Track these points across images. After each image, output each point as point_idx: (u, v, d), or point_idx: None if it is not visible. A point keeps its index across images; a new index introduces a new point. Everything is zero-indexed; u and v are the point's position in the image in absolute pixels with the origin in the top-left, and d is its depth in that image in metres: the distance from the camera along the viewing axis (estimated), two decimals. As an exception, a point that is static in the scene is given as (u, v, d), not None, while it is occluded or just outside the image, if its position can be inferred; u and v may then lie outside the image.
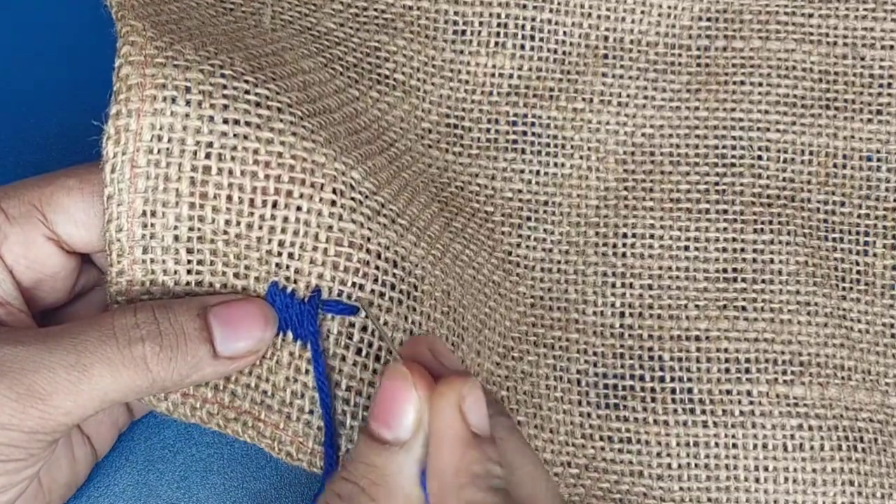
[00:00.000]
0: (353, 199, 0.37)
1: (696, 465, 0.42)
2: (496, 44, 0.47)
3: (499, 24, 0.47)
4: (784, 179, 0.46)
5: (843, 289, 0.45)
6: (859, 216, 0.46)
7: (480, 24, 0.47)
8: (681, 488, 0.42)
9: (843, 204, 0.46)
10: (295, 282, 0.37)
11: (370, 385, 0.37)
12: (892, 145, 0.47)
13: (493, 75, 0.47)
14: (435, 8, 0.47)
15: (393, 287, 0.37)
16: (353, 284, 0.37)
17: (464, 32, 0.47)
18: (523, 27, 0.47)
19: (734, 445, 0.42)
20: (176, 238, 0.37)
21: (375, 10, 0.46)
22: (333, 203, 0.37)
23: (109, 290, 0.37)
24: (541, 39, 0.47)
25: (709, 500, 0.41)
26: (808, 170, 0.46)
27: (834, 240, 0.46)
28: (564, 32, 0.47)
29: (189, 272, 0.37)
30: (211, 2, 0.44)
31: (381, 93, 0.45)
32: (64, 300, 0.40)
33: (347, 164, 0.37)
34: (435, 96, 0.46)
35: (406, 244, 0.38)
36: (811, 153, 0.47)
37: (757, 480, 0.42)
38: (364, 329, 0.37)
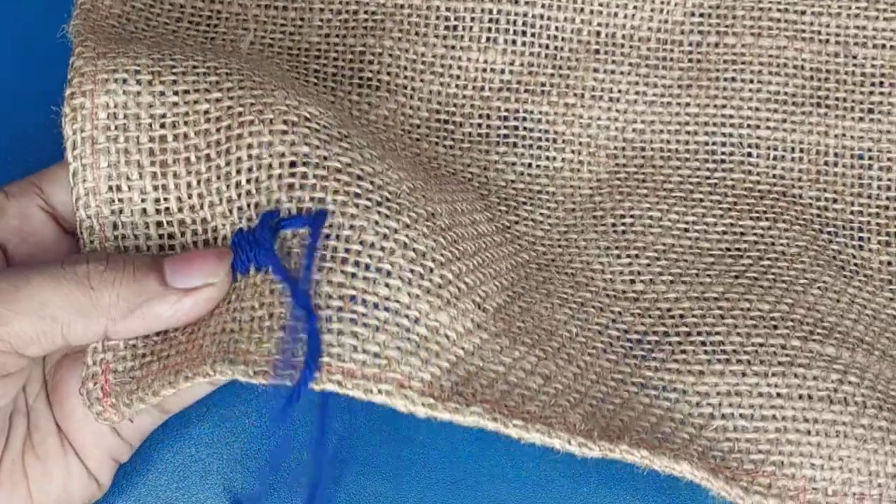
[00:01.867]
0: (307, 126, 0.37)
1: (740, 416, 0.39)
2: (488, 39, 0.46)
3: (490, 20, 0.46)
4: (774, 176, 0.46)
5: (846, 275, 0.44)
6: (852, 213, 0.46)
7: (472, 19, 0.46)
8: (727, 439, 0.39)
9: (835, 201, 0.46)
10: (256, 217, 0.37)
11: (339, 286, 0.35)
12: (884, 144, 0.47)
13: (484, 70, 0.46)
14: (427, 4, 0.46)
15: (357, 196, 0.36)
16: (312, 199, 0.36)
17: (455, 28, 0.46)
18: (515, 22, 0.47)
19: (778, 395, 0.39)
20: (144, 212, 0.38)
21: (366, 12, 0.46)
22: (285, 132, 0.37)
23: None
24: (532, 35, 0.47)
25: (759, 451, 0.38)
26: (798, 167, 0.46)
27: (829, 233, 0.45)
28: (556, 28, 0.47)
29: (161, 248, 0.38)
30: (192, 34, 0.45)
31: (362, 95, 0.45)
32: None
33: (302, 102, 0.38)
34: (424, 93, 0.46)
35: (375, 166, 0.38)
36: (801, 150, 0.47)
37: (808, 433, 0.38)
38: (327, 237, 0.36)
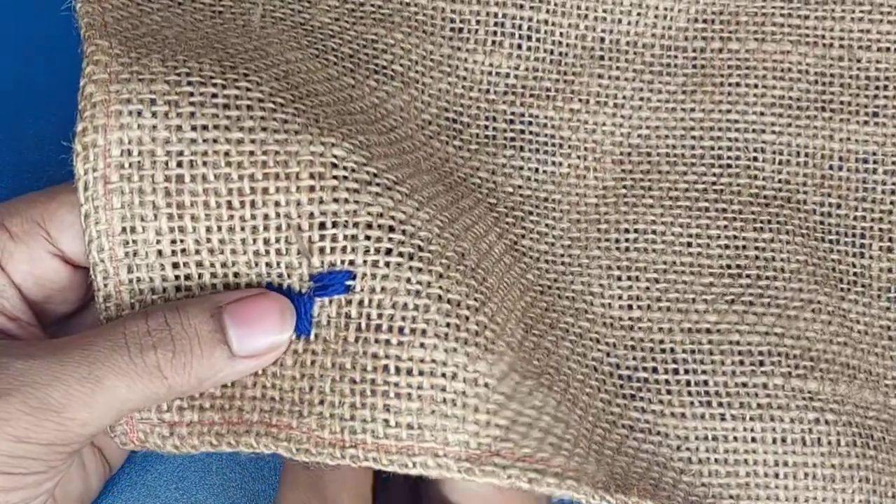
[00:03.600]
0: (334, 176, 0.36)
1: (715, 460, 0.41)
2: (493, 42, 0.46)
3: (496, 24, 0.46)
4: (780, 181, 0.46)
5: (842, 290, 0.45)
6: (855, 218, 0.46)
7: (477, 22, 0.46)
8: (703, 484, 0.41)
9: (838, 206, 0.46)
10: (288, 276, 0.37)
11: (374, 357, 0.36)
12: (888, 147, 0.47)
13: (490, 73, 0.46)
14: (432, 5, 0.46)
15: (389, 252, 0.37)
16: (343, 262, 0.36)
17: (461, 30, 0.46)
18: (520, 27, 0.47)
19: (753, 439, 0.41)
20: (159, 253, 0.36)
21: (372, 5, 0.46)
22: (312, 188, 0.36)
23: (100, 318, 0.36)
24: (537, 40, 0.47)
25: (730, 496, 0.41)
26: (803, 172, 0.46)
27: (830, 241, 0.46)
28: (561, 33, 0.47)
29: (178, 289, 0.37)
30: (199, 6, 0.43)
31: (379, 82, 0.45)
32: (76, 309, 0.39)
33: (328, 144, 0.37)
34: (434, 90, 0.46)
35: (406, 209, 0.38)
36: (807, 155, 0.47)
37: (777, 476, 0.41)
38: (361, 303, 0.36)
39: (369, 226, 0.37)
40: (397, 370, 0.36)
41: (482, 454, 0.36)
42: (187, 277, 0.37)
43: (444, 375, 0.36)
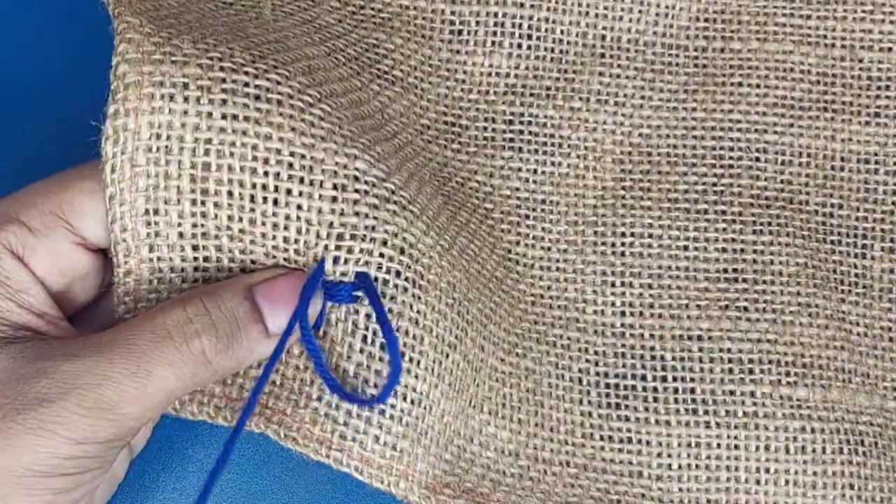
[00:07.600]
0: (356, 190, 0.37)
1: (696, 466, 0.41)
2: (493, 43, 0.46)
3: (496, 24, 0.46)
4: (782, 181, 0.46)
5: (843, 291, 0.45)
6: (857, 219, 0.46)
7: (477, 23, 0.46)
8: (680, 489, 0.41)
9: (840, 207, 0.46)
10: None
11: (377, 374, 0.37)
12: (890, 148, 0.47)
13: (489, 74, 0.46)
14: (432, 7, 0.46)
15: (398, 274, 0.37)
16: (356, 274, 0.37)
17: (460, 32, 0.46)
18: (520, 26, 0.46)
19: (736, 447, 0.42)
20: (181, 235, 0.36)
21: (372, 8, 0.46)
22: (334, 199, 0.36)
23: (117, 291, 0.37)
24: (538, 38, 0.47)
25: (708, 500, 0.41)
26: (805, 172, 0.46)
27: (832, 242, 0.46)
28: (562, 31, 0.47)
29: (196, 269, 0.37)
30: None
31: (381, 87, 0.45)
32: (95, 297, 0.39)
33: (350, 156, 0.37)
34: (432, 94, 0.46)
35: (416, 231, 0.38)
36: (809, 155, 0.46)
37: (758, 482, 0.41)
38: (369, 316, 0.37)
39: (385, 243, 0.37)
40: (395, 393, 0.37)
41: (436, 484, 0.37)
42: (206, 259, 0.37)
43: (425, 407, 0.37)
